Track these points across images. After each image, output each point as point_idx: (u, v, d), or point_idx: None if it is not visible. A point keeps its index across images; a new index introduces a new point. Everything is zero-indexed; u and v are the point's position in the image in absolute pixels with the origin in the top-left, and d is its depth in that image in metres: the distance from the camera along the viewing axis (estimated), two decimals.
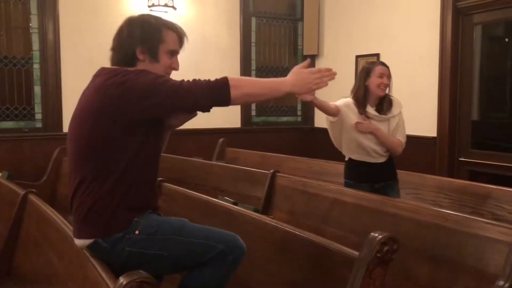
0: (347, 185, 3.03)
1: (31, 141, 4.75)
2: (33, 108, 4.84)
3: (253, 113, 5.96)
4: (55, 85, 4.82)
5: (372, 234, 1.62)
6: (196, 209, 2.80)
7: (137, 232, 1.72)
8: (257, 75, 5.94)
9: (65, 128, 4.65)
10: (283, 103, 6.11)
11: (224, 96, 1.67)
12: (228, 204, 2.64)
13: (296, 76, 1.75)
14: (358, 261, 1.61)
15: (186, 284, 1.81)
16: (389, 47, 5.00)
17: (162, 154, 1.91)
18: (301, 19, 6.09)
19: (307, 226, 2.74)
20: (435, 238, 2.26)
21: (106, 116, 1.67)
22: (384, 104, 3.00)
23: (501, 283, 1.79)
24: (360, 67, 4.22)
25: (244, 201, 3.36)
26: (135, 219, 1.73)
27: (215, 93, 1.66)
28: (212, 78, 1.72)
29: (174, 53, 1.84)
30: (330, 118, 2.98)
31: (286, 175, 3.40)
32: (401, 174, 3.23)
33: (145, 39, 1.77)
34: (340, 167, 3.25)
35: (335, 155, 3.33)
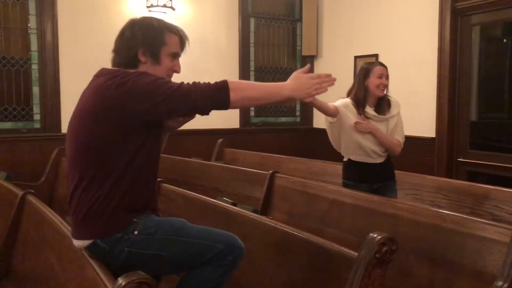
0: (345, 185, 3.03)
1: (29, 141, 4.74)
2: (31, 109, 4.84)
3: (252, 113, 5.97)
4: (53, 85, 4.82)
5: (371, 234, 1.62)
6: (194, 210, 2.80)
7: (136, 232, 1.72)
8: (256, 76, 5.94)
9: (64, 129, 4.67)
10: (282, 103, 6.11)
11: (224, 99, 1.67)
12: (227, 205, 2.64)
13: (296, 81, 1.76)
14: (357, 261, 1.61)
15: (185, 284, 1.81)
16: (387, 47, 5.00)
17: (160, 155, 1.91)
18: (300, 20, 6.10)
19: (306, 226, 2.74)
20: (433, 239, 2.26)
21: (105, 117, 1.67)
22: (383, 104, 3.00)
23: (499, 283, 1.79)
24: (358, 68, 4.23)
25: (243, 202, 3.36)
26: (134, 219, 1.73)
27: (215, 95, 1.67)
28: (211, 79, 1.72)
29: (176, 55, 1.84)
30: (329, 118, 2.98)
31: (285, 176, 3.40)
32: (400, 174, 3.23)
33: (147, 41, 1.77)
34: (339, 168, 3.25)
35: (334, 155, 3.33)
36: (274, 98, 1.78)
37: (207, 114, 1.72)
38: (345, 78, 4.03)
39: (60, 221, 2.16)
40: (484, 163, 4.22)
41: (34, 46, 4.78)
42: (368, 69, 2.97)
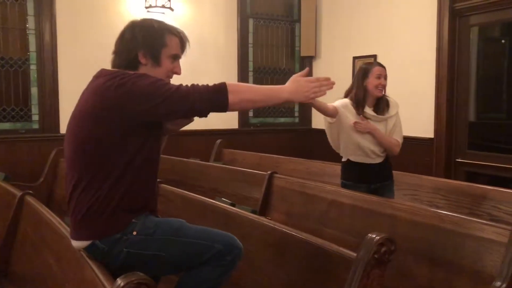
0: (344, 185, 3.03)
1: (28, 142, 4.73)
2: (30, 109, 4.83)
3: (251, 114, 5.97)
4: (52, 86, 4.81)
5: (370, 235, 1.62)
6: (193, 211, 2.80)
7: (135, 233, 1.72)
8: (255, 77, 5.95)
9: (62, 129, 4.67)
10: (280, 104, 6.10)
11: (222, 101, 1.67)
12: (226, 205, 2.64)
13: (294, 84, 1.76)
14: (356, 262, 1.61)
15: (183, 284, 1.81)
16: (386, 48, 5.01)
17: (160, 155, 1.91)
18: (298, 20, 6.10)
19: (305, 227, 2.74)
20: (432, 239, 2.27)
21: (103, 118, 1.67)
22: (381, 104, 3.01)
23: (498, 283, 1.79)
24: (357, 69, 4.23)
25: (242, 202, 3.37)
26: (133, 220, 1.73)
27: (213, 97, 1.67)
28: (210, 80, 1.72)
29: (176, 57, 1.84)
30: (329, 119, 2.99)
31: (283, 176, 3.40)
32: (398, 175, 3.24)
33: (148, 43, 1.78)
34: (337, 168, 3.26)
35: (333, 156, 3.33)
36: (273, 100, 1.79)
37: (206, 116, 1.72)
38: (344, 79, 4.03)
39: (58, 221, 2.16)
40: (483, 164, 4.23)
41: (32, 46, 4.78)
42: (367, 70, 2.98)
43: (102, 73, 1.76)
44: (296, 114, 6.28)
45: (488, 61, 4.46)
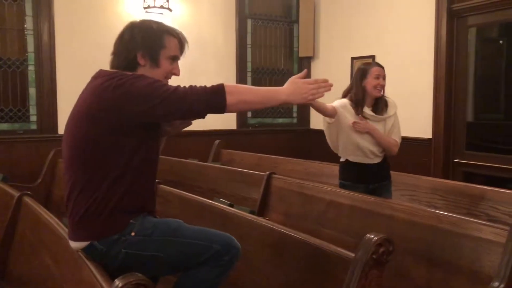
0: (342, 186, 3.04)
1: (26, 143, 4.73)
2: (28, 110, 4.82)
3: (249, 114, 5.97)
4: (50, 86, 4.80)
5: (368, 235, 1.63)
6: (191, 211, 2.80)
7: (133, 233, 1.72)
8: (253, 77, 5.95)
9: (60, 130, 4.66)
10: (278, 105, 6.10)
11: (220, 102, 1.67)
12: (224, 206, 2.64)
13: (292, 85, 1.76)
14: (354, 262, 1.61)
15: (181, 285, 1.81)
16: (384, 49, 5.01)
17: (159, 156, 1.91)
18: (297, 21, 6.10)
19: (303, 227, 2.75)
20: (430, 240, 2.27)
21: (101, 119, 1.67)
22: (380, 104, 3.02)
23: (496, 284, 1.79)
24: (355, 69, 4.24)
25: (240, 203, 3.36)
26: (131, 221, 1.73)
27: (211, 99, 1.67)
28: (208, 80, 1.73)
29: (175, 58, 1.85)
30: (327, 119, 2.99)
31: (282, 177, 3.41)
32: (396, 175, 3.24)
33: (147, 44, 1.78)
34: (335, 169, 3.26)
35: (331, 156, 3.34)
36: (270, 102, 1.79)
37: (203, 117, 1.72)
38: (342, 79, 4.04)
39: (56, 222, 2.16)
40: (480, 164, 4.24)
41: (30, 47, 4.77)
42: (365, 70, 2.99)
43: (100, 74, 1.76)
44: (295, 114, 6.28)
45: (486, 61, 4.47)
